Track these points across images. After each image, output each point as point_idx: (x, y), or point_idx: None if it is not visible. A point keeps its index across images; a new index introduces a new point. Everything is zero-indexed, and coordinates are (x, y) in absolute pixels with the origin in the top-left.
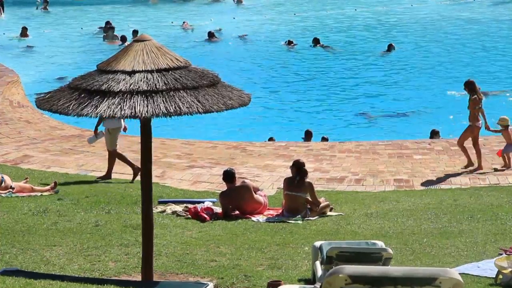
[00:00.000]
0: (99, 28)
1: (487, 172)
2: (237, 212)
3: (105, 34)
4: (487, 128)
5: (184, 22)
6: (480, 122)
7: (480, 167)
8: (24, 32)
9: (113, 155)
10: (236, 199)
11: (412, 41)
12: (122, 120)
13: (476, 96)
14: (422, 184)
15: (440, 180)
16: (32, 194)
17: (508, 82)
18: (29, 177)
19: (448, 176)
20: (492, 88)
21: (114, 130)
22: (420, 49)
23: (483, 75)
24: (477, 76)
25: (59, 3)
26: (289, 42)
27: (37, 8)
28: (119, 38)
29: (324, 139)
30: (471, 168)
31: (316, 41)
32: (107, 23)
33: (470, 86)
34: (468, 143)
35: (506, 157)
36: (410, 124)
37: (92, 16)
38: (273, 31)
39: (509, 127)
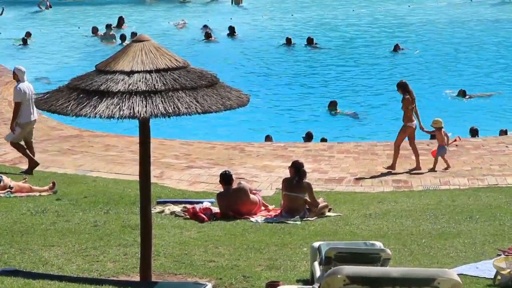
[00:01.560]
0: (112, 27)
1: (425, 172)
2: (231, 213)
3: (102, 34)
4: (421, 128)
5: (179, 22)
6: (414, 122)
7: (418, 167)
8: (27, 36)
9: (15, 146)
10: (233, 200)
11: (411, 41)
12: (35, 115)
13: (408, 96)
14: (419, 185)
15: (438, 181)
16: (31, 194)
17: (503, 84)
18: (28, 177)
19: (446, 176)
20: (485, 90)
21: (24, 125)
22: (419, 49)
23: (480, 75)
24: (476, 76)
25: (58, 3)
26: (288, 41)
27: (39, 6)
28: (117, 38)
29: (323, 140)
30: (392, 170)
31: (309, 41)
32: (120, 18)
33: (402, 87)
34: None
35: (442, 159)
36: None
37: (91, 16)
38: (271, 31)
39: (442, 129)
